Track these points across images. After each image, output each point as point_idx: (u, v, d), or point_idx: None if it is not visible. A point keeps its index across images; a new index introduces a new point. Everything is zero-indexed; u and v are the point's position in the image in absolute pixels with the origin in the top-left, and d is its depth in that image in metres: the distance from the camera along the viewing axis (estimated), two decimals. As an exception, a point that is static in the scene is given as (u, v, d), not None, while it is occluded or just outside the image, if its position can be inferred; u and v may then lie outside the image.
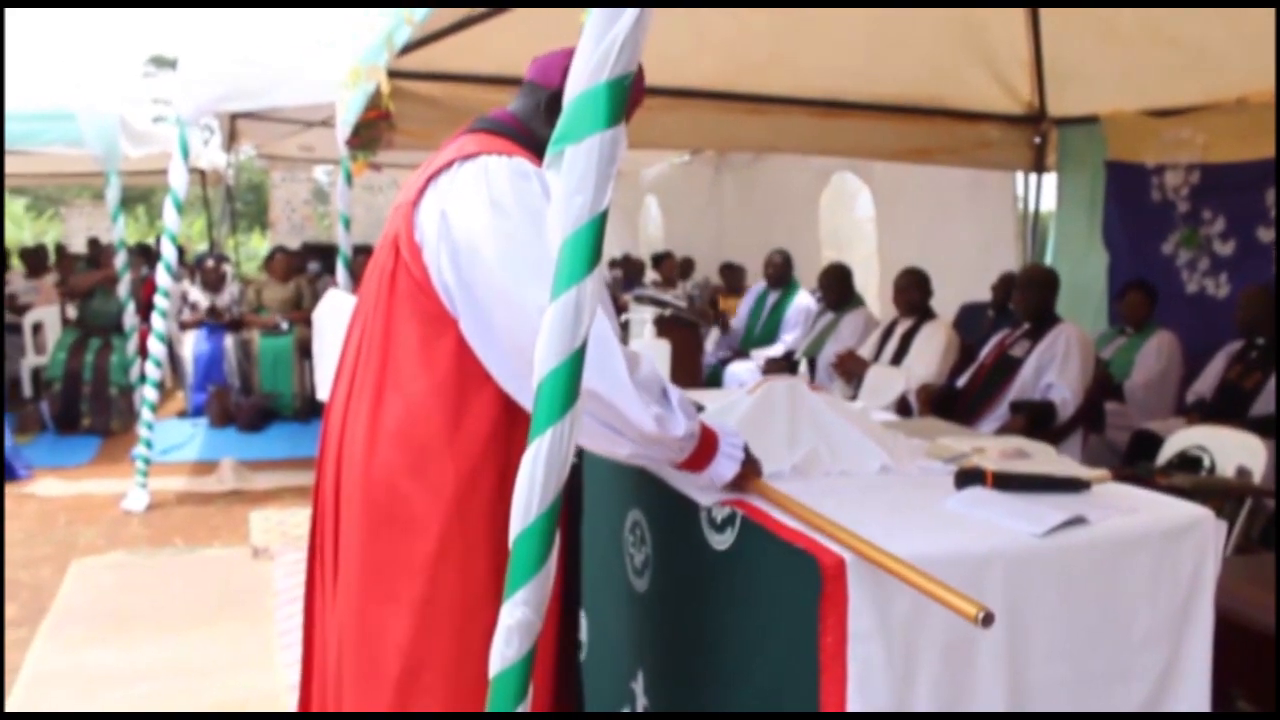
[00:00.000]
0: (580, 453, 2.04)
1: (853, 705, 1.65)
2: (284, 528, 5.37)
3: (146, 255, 11.18)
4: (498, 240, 1.78)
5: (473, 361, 1.85)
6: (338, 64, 4.74)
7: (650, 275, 10.84)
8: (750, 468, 1.98)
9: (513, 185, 1.81)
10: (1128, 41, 4.90)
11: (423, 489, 1.86)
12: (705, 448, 1.90)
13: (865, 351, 5.64)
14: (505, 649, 1.42)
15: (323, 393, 4.98)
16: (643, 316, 3.80)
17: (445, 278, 1.84)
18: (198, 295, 8.71)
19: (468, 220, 1.82)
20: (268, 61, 5.70)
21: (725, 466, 1.93)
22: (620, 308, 6.10)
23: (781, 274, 7.46)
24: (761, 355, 6.91)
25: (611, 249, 12.90)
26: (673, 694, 2.20)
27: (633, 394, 1.74)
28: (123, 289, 7.74)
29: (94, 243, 10.71)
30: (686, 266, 10.96)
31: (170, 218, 5.89)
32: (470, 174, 1.85)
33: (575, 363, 1.39)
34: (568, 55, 1.64)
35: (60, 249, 11.67)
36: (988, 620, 1.45)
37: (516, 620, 1.42)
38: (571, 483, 1.92)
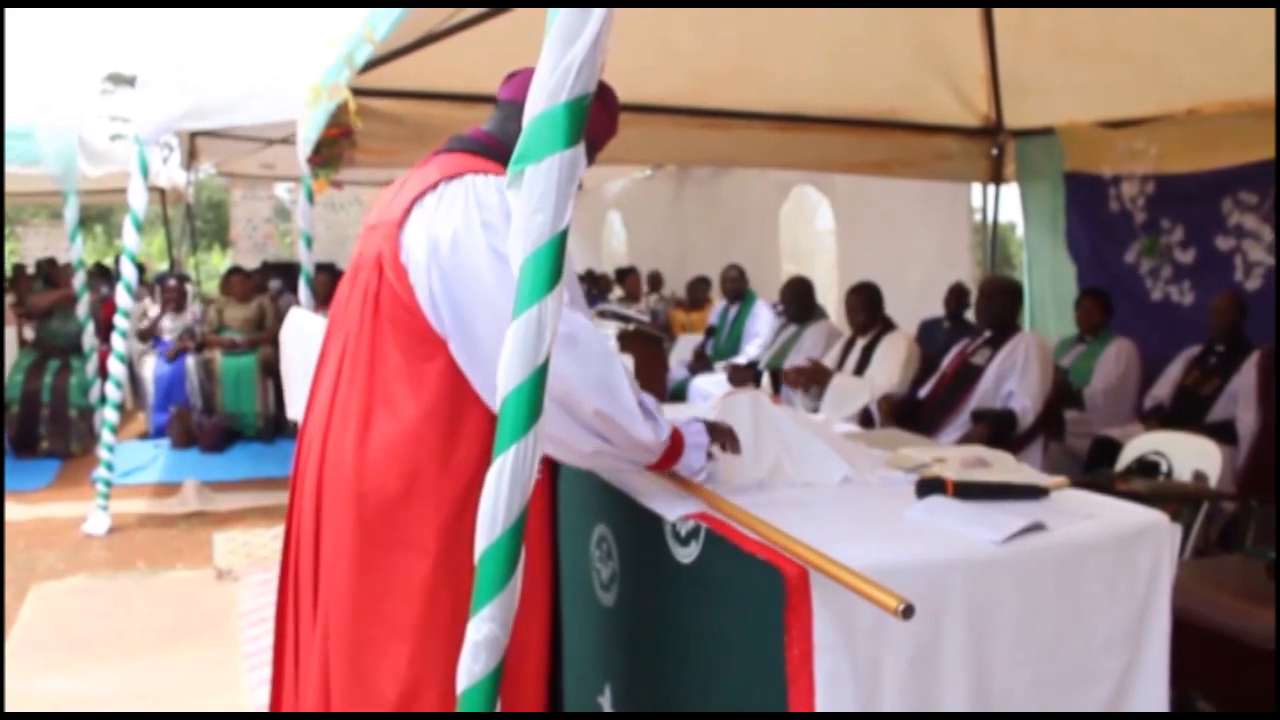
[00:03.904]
0: (555, 466, 2.07)
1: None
2: (248, 549, 5.32)
3: (105, 275, 11.06)
4: (495, 262, 1.79)
5: (464, 382, 1.86)
6: (298, 82, 4.73)
7: (615, 291, 10.88)
8: (722, 437, 2.08)
9: (502, 206, 1.81)
10: (1082, 55, 4.98)
11: (418, 510, 1.86)
12: (674, 445, 2.00)
13: (827, 364, 5.69)
14: (473, 665, 1.43)
15: (293, 412, 4.94)
16: (606, 332, 3.82)
17: (435, 299, 1.86)
18: (157, 314, 8.63)
19: (462, 243, 1.83)
20: (228, 79, 5.68)
21: (694, 457, 2.03)
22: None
23: (737, 288, 7.66)
24: (725, 366, 6.96)
25: (574, 264, 12.91)
26: (640, 708, 2.21)
27: (638, 413, 1.86)
28: (82, 309, 7.65)
29: (51, 262, 10.57)
30: (655, 281, 11.00)
31: (130, 237, 5.83)
32: (458, 195, 1.87)
33: (538, 380, 1.41)
34: None
35: (18, 269, 11.53)
36: (908, 612, 1.47)
37: (483, 636, 1.43)
38: (550, 494, 1.96)
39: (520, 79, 2.07)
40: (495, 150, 1.99)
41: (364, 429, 1.90)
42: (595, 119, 1.84)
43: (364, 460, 1.88)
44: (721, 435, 2.10)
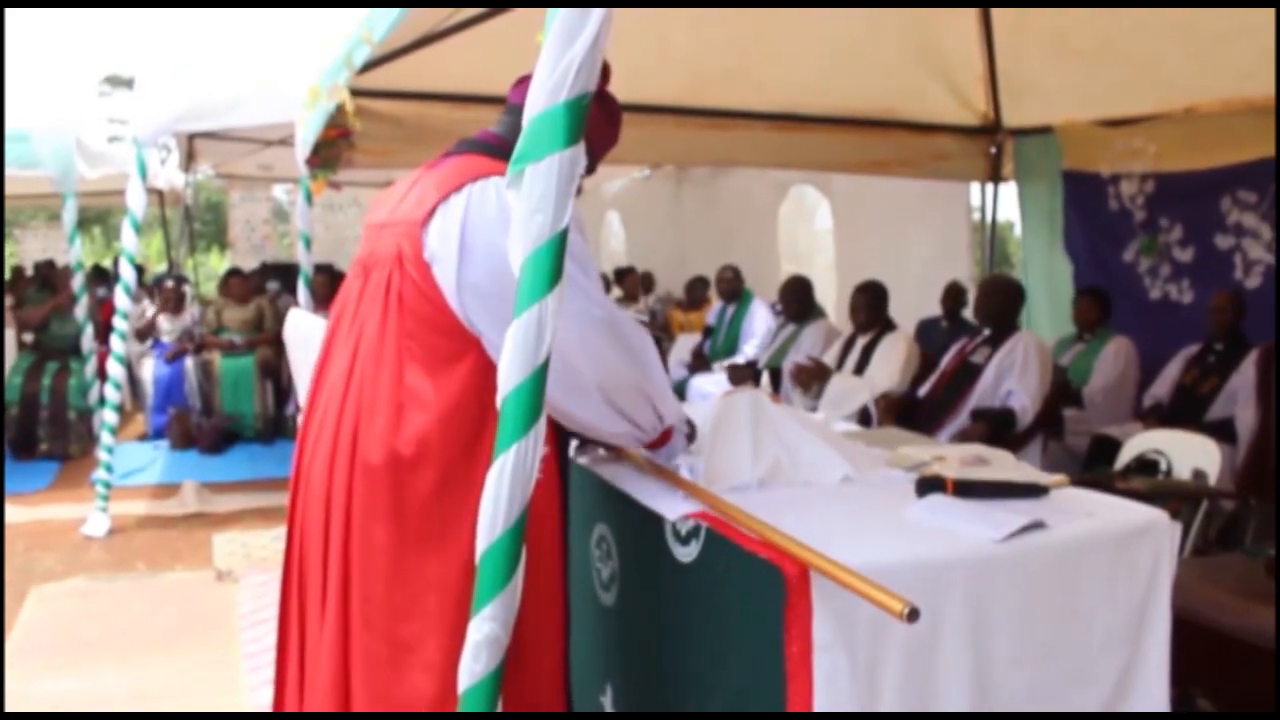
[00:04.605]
0: (566, 465, 2.09)
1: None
2: (248, 550, 5.32)
3: (104, 277, 11.04)
4: None
5: (491, 376, 1.87)
6: (296, 83, 4.73)
7: (614, 291, 10.87)
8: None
9: None
10: (1080, 54, 4.98)
11: (451, 504, 1.87)
12: (667, 429, 2.17)
13: (827, 362, 5.69)
14: (474, 664, 1.43)
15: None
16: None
17: (467, 297, 1.89)
18: (154, 314, 8.63)
19: (502, 245, 1.84)
20: (226, 81, 5.67)
21: (680, 443, 2.20)
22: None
23: (733, 288, 7.66)
24: (724, 365, 6.97)
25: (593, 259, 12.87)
26: (640, 707, 2.21)
27: (669, 390, 2.04)
28: (80, 311, 7.64)
29: (49, 264, 10.55)
30: (648, 282, 11.01)
31: (128, 239, 5.83)
32: (490, 198, 1.90)
33: (538, 379, 1.41)
34: None
35: (17, 271, 11.52)
36: (913, 615, 1.48)
37: (484, 635, 1.43)
38: (561, 491, 1.99)
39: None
40: (507, 153, 2.00)
41: (393, 428, 1.90)
42: (597, 127, 1.86)
43: (397, 456, 1.89)
44: (692, 426, 2.30)
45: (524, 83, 2.08)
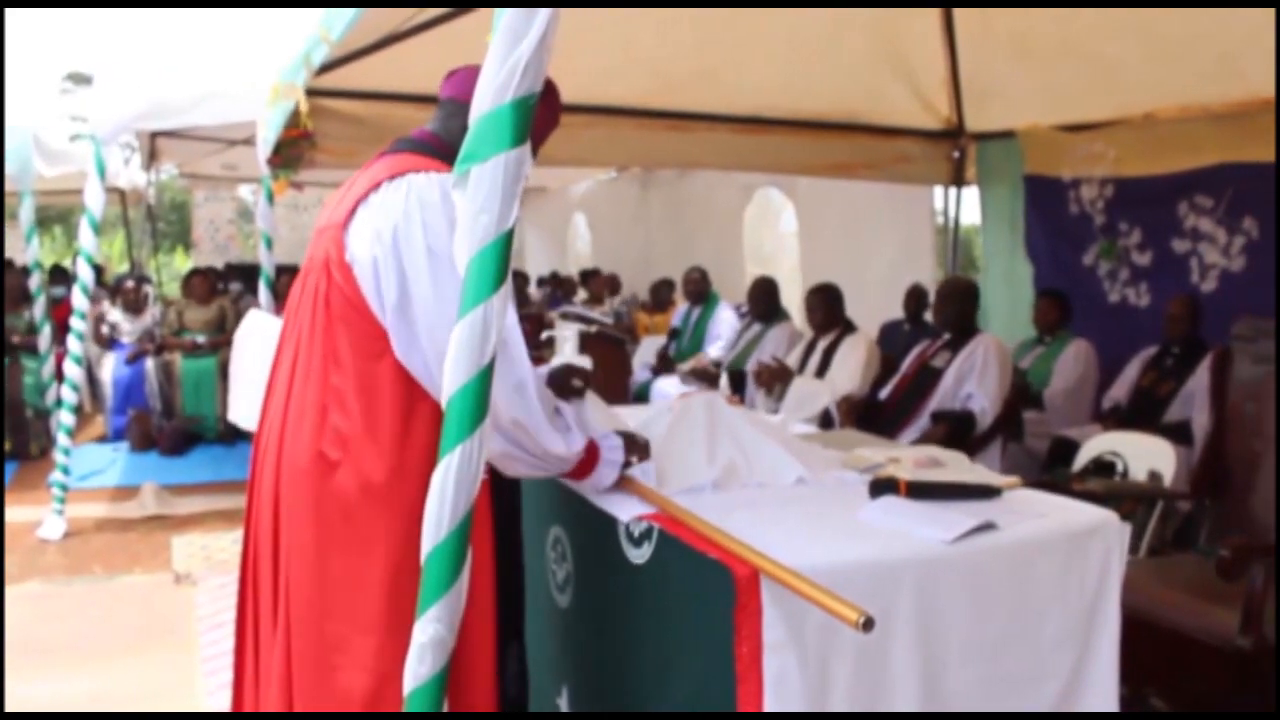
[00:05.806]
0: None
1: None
2: (207, 553, 5.27)
3: (64, 276, 10.91)
4: (430, 262, 1.82)
5: (413, 378, 1.88)
6: (258, 82, 4.70)
7: (580, 293, 10.87)
8: (638, 450, 2.15)
9: (443, 205, 1.83)
10: (1042, 59, 5.02)
11: (376, 508, 1.87)
12: (589, 458, 2.05)
13: (789, 365, 5.70)
14: (419, 667, 1.42)
15: (234, 414, 4.88)
16: (565, 334, 3.80)
17: (382, 297, 1.87)
18: (117, 317, 8.53)
19: (401, 241, 1.85)
20: (187, 79, 5.61)
21: (605, 475, 2.09)
22: (546, 325, 6.11)
23: (700, 290, 7.66)
24: (687, 368, 6.97)
25: (540, 266, 12.92)
26: (596, 707, 2.21)
27: (546, 424, 1.90)
28: (37, 311, 7.54)
29: (6, 264, 10.39)
30: (614, 284, 11.01)
31: (86, 238, 5.76)
32: (399, 194, 1.88)
33: (484, 379, 1.40)
34: None
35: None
36: (868, 625, 1.48)
37: (429, 637, 1.42)
38: (506, 488, 1.97)
39: (460, 77, 2.10)
40: (439, 149, 2.02)
41: (319, 430, 1.90)
42: (539, 114, 1.86)
43: (321, 461, 1.89)
44: (638, 449, 2.16)
45: (454, 76, 2.09)
